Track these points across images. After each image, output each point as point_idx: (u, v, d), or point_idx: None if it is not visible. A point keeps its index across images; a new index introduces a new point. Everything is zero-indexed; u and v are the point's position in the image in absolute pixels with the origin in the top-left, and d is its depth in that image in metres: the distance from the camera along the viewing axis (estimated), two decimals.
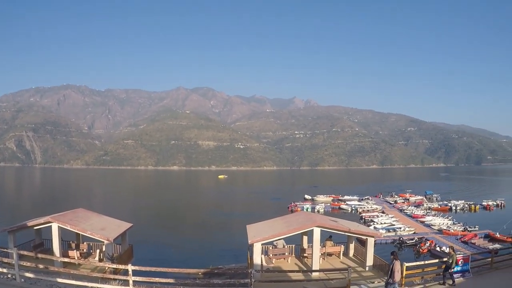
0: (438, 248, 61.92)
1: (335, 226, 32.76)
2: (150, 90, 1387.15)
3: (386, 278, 23.82)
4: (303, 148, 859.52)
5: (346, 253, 38.18)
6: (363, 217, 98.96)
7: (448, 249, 26.55)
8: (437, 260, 30.85)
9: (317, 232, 31.36)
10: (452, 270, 25.43)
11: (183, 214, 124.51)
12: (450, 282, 25.35)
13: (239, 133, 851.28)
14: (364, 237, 33.94)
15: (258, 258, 30.85)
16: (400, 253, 63.92)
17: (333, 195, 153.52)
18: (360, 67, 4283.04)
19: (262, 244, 31.58)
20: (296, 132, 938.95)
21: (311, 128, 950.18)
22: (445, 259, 26.65)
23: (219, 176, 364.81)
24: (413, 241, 70.24)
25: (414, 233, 78.52)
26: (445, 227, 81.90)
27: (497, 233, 73.57)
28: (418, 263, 28.50)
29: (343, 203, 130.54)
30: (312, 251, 31.87)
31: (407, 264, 25.66)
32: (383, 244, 69.80)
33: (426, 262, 29.36)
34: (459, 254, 37.02)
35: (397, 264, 21.55)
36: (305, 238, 38.02)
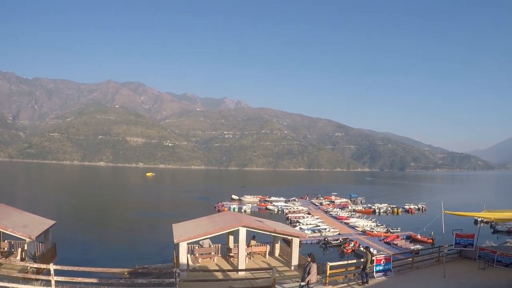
0: (361, 248, 63.27)
1: (260, 226, 32.92)
2: (80, 82, 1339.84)
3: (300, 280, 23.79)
4: (231, 149, 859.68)
5: (272, 253, 38.44)
6: (289, 218, 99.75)
7: (364, 249, 27.15)
8: (355, 261, 31.44)
9: (242, 232, 31.38)
10: (368, 270, 25.81)
11: (109, 212, 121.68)
12: (365, 280, 25.82)
13: (168, 131, 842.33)
14: (289, 237, 34.33)
15: (184, 257, 30.42)
16: (325, 253, 65.17)
17: (260, 196, 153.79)
18: (290, 72, 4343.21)
19: (188, 244, 31.28)
20: (225, 132, 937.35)
21: (240, 129, 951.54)
22: (362, 260, 27.02)
23: (147, 174, 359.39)
24: (337, 241, 71.50)
25: (339, 234, 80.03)
26: (368, 229, 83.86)
27: (418, 234, 76.31)
28: (341, 262, 29.04)
29: (269, 203, 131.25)
30: (238, 251, 31.92)
31: (330, 264, 26.08)
32: (309, 245, 70.77)
33: (349, 261, 29.88)
34: (382, 254, 38.00)
35: (313, 267, 21.54)
36: (231, 237, 37.86)
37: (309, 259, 22.32)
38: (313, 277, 21.58)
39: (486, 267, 32.13)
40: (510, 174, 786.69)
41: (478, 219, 54.96)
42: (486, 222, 74.29)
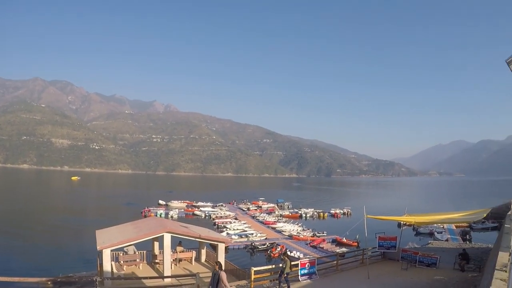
0: (288, 253, 63.46)
1: (185, 232, 32.41)
2: (5, 78, 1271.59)
3: None
4: (159, 153, 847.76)
5: (198, 259, 38.14)
6: (216, 223, 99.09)
7: (282, 255, 27.03)
8: (281, 265, 31.31)
9: (167, 238, 30.78)
10: (285, 275, 25.66)
11: (30, 218, 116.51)
12: (285, 286, 25.55)
13: (95, 133, 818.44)
14: (215, 243, 33.91)
15: (108, 265, 29.38)
16: (253, 257, 65.04)
17: (187, 201, 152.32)
18: (220, 76, 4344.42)
19: (111, 251, 30.15)
20: (153, 136, 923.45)
21: (169, 133, 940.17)
22: (280, 265, 26.78)
23: (72, 178, 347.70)
24: (264, 246, 71.51)
25: (266, 238, 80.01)
26: (295, 233, 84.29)
27: (344, 238, 77.36)
28: (266, 267, 28.82)
29: (197, 209, 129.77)
30: (163, 257, 31.20)
31: (255, 269, 25.83)
32: (236, 250, 70.36)
33: (274, 266, 29.78)
34: (308, 257, 38.18)
35: (223, 276, 20.99)
36: (156, 244, 37.16)
37: (216, 268, 21.69)
38: (222, 286, 21.01)
39: (408, 267, 33.14)
40: (431, 181, 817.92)
41: (401, 222, 56.56)
42: (409, 225, 76.56)
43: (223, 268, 32.33)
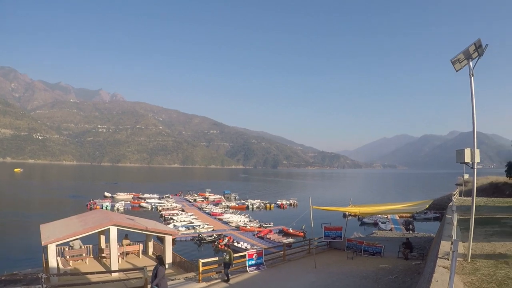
0: (236, 244, 63.68)
1: (132, 224, 31.91)
2: None
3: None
4: (105, 143, 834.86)
5: (145, 252, 37.73)
6: (163, 215, 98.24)
7: (226, 247, 27.09)
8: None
9: (113, 231, 30.32)
10: (232, 267, 25.81)
11: None
12: (226, 278, 25.67)
13: (39, 122, 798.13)
14: (162, 235, 33.76)
15: (53, 260, 28.59)
16: (200, 249, 64.90)
17: (133, 193, 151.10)
18: (168, 66, 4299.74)
19: (57, 245, 29.36)
20: (99, 126, 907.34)
21: (115, 123, 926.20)
22: (227, 257, 26.70)
23: (15, 170, 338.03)
24: (212, 237, 71.42)
25: (213, 230, 79.85)
26: (242, 224, 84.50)
27: (290, 228, 78.18)
28: (213, 258, 28.76)
29: (143, 201, 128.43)
30: (110, 251, 30.64)
31: (202, 261, 25.78)
32: (183, 242, 69.99)
33: (218, 258, 29.76)
34: (255, 248, 38.44)
35: (161, 270, 20.89)
36: (102, 237, 36.57)
37: (156, 262, 21.63)
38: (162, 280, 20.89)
39: (354, 256, 33.87)
40: (375, 172, 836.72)
41: (346, 213, 57.53)
42: (354, 216, 78.01)
43: (168, 261, 32.41)
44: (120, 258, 33.65)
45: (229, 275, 26.10)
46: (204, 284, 24.96)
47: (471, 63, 15.92)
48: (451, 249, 12.56)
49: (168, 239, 33.24)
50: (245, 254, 29.26)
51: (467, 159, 16.13)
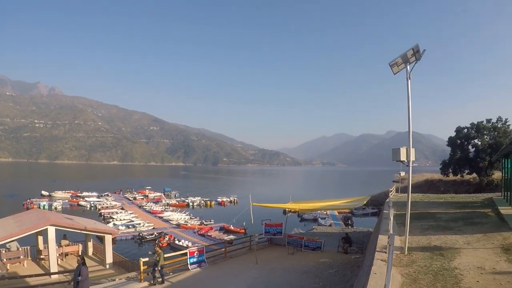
0: (177, 242, 63.46)
1: (70, 224, 31.15)
2: None
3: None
4: (42, 139, 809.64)
5: (85, 252, 36.77)
6: (102, 214, 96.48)
7: (156, 247, 26.75)
8: (171, 254, 31.20)
9: (51, 231, 29.48)
10: (159, 268, 25.46)
11: None
12: (160, 279, 25.12)
13: None
14: (101, 235, 33.26)
15: None
16: (141, 248, 64.29)
17: (72, 191, 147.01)
18: (107, 60, 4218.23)
19: None
20: (36, 121, 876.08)
21: (52, 118, 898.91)
22: (157, 258, 26.26)
23: None
24: (152, 236, 70.83)
25: (154, 228, 79.21)
26: (183, 222, 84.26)
27: (231, 225, 78.60)
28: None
29: (82, 199, 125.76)
30: (49, 252, 29.80)
31: (143, 260, 25.58)
32: (124, 241, 69.12)
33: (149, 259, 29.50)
34: (197, 246, 38.53)
35: (84, 270, 20.48)
36: (40, 238, 35.51)
37: (79, 262, 21.11)
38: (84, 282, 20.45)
39: (295, 252, 34.41)
40: (314, 170, 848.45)
41: (287, 209, 58.32)
42: (294, 212, 78.98)
43: (108, 261, 31.99)
44: (59, 259, 33.02)
45: (164, 276, 25.48)
46: (146, 283, 24.72)
47: (408, 67, 16.64)
48: (388, 243, 13.13)
49: (108, 239, 32.73)
50: (186, 252, 29.22)
51: (403, 157, 16.80)
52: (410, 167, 17.35)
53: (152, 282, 24.78)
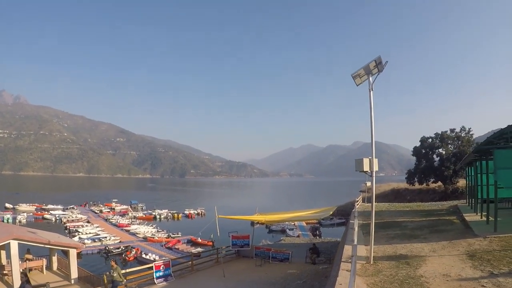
0: (144, 255, 62.77)
1: (33, 238, 30.48)
2: None
3: None
4: (6, 150, 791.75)
5: (49, 267, 36.16)
6: (68, 227, 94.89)
7: (112, 261, 26.31)
8: (137, 268, 30.73)
9: (14, 246, 28.68)
10: (111, 283, 24.95)
11: None
12: None
13: None
14: (66, 249, 32.57)
15: None
16: (107, 262, 63.22)
17: (36, 204, 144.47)
18: (74, 69, 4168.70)
19: None
20: (0, 130, 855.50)
21: (17, 128, 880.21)
22: (114, 274, 25.47)
23: None
24: (119, 249, 69.89)
25: (120, 241, 78.12)
26: (149, 235, 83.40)
27: (199, 238, 78.14)
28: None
29: (47, 212, 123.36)
30: (12, 268, 28.99)
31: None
32: (90, 255, 68.06)
33: (128, 270, 29.10)
34: (163, 259, 38.15)
35: None
36: (2, 253, 34.77)
37: (22, 279, 20.60)
38: None
39: (262, 263, 34.32)
40: (282, 181, 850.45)
41: (254, 221, 58.26)
42: (262, 223, 78.97)
43: (73, 276, 31.34)
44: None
45: None
46: None
47: (371, 78, 16.85)
48: (352, 253, 13.21)
49: (73, 253, 32.11)
50: (152, 266, 28.92)
51: (366, 168, 16.92)
52: (374, 177, 17.49)
53: None
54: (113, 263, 25.74)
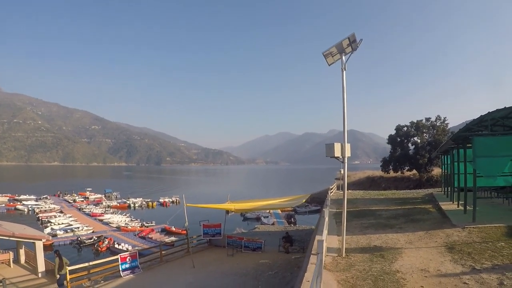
0: (117, 245, 61.69)
1: None
2: None
3: None
4: None
5: (16, 260, 34.88)
6: (40, 218, 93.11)
7: (56, 254, 25.32)
8: (106, 259, 29.60)
9: None
10: (58, 276, 24.05)
11: None
12: None
13: None
14: (31, 241, 31.31)
15: None
16: (80, 254, 61.96)
17: (9, 195, 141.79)
18: (49, 55, 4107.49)
19: None
20: None
21: None
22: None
23: None
24: (91, 240, 68.58)
25: (93, 232, 76.80)
26: (123, 224, 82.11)
27: (173, 226, 77.18)
28: (82, 265, 26.88)
29: (19, 203, 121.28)
30: None
31: (69, 268, 24.16)
32: (62, 246, 66.57)
33: (92, 263, 27.97)
34: (137, 249, 37.18)
35: None
36: None
37: None
38: None
39: (234, 253, 33.58)
40: (258, 168, 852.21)
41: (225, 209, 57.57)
42: (232, 212, 78.43)
43: (40, 269, 30.23)
44: None
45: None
46: None
47: (344, 57, 15.94)
48: (323, 245, 12.29)
49: (39, 245, 30.80)
50: (118, 258, 27.98)
51: (337, 153, 16.04)
52: (345, 163, 16.66)
53: None
54: (57, 254, 24.84)
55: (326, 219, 18.86)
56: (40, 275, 29.98)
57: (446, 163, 39.45)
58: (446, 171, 39.64)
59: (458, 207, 27.95)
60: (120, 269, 27.33)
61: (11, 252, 34.71)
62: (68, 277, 23.71)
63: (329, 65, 16.41)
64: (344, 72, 15.94)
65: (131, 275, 27.27)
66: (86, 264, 26.67)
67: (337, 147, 16.01)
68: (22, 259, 35.22)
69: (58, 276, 23.86)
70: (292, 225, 76.40)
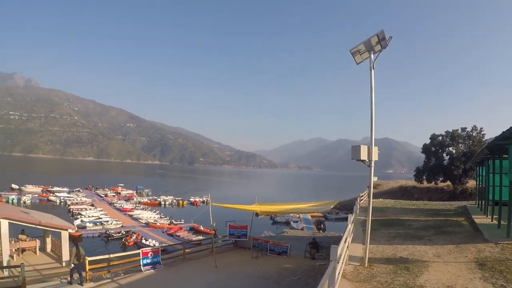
0: (144, 241, 62.01)
1: (25, 218, 29.36)
2: None
3: None
4: (17, 132, 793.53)
5: (43, 248, 35.28)
6: (71, 209, 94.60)
7: (73, 243, 25.23)
8: (129, 253, 29.53)
9: (4, 225, 27.51)
10: (72, 265, 23.67)
11: None
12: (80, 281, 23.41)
13: None
14: (57, 230, 31.61)
15: None
16: (108, 246, 62.52)
17: (43, 186, 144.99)
18: (86, 53, 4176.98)
19: None
20: (11, 112, 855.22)
21: (28, 110, 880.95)
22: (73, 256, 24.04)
23: None
24: (119, 234, 69.21)
25: (122, 226, 77.60)
26: (152, 221, 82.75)
27: (201, 226, 77.29)
28: (102, 256, 26.77)
29: (52, 194, 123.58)
30: (2, 247, 28.02)
31: (89, 259, 24.10)
32: (91, 238, 67.43)
33: (113, 255, 27.92)
34: (164, 245, 37.12)
35: None
36: None
37: None
38: None
39: (259, 256, 33.14)
40: (291, 173, 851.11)
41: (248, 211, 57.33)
42: (267, 215, 78.06)
43: (65, 258, 30.33)
44: (15, 255, 31.56)
45: (80, 277, 23.62)
46: (92, 284, 23.27)
47: (372, 55, 15.37)
48: (344, 252, 11.79)
49: (64, 235, 31.08)
50: (139, 252, 27.90)
51: (363, 156, 15.44)
52: (372, 168, 16.08)
53: (69, 281, 23.72)
54: (74, 243, 24.76)
55: (350, 226, 18.32)
56: (64, 263, 30.20)
57: (481, 174, 38.13)
58: (480, 183, 38.32)
59: (492, 221, 26.90)
60: (141, 263, 27.28)
61: (38, 240, 35.19)
62: (87, 267, 23.68)
63: (357, 64, 15.86)
64: (373, 71, 15.37)
65: (152, 271, 27.15)
66: (107, 256, 26.67)
67: (364, 149, 15.42)
68: (49, 247, 35.61)
69: (72, 265, 23.74)
70: (321, 231, 75.61)
